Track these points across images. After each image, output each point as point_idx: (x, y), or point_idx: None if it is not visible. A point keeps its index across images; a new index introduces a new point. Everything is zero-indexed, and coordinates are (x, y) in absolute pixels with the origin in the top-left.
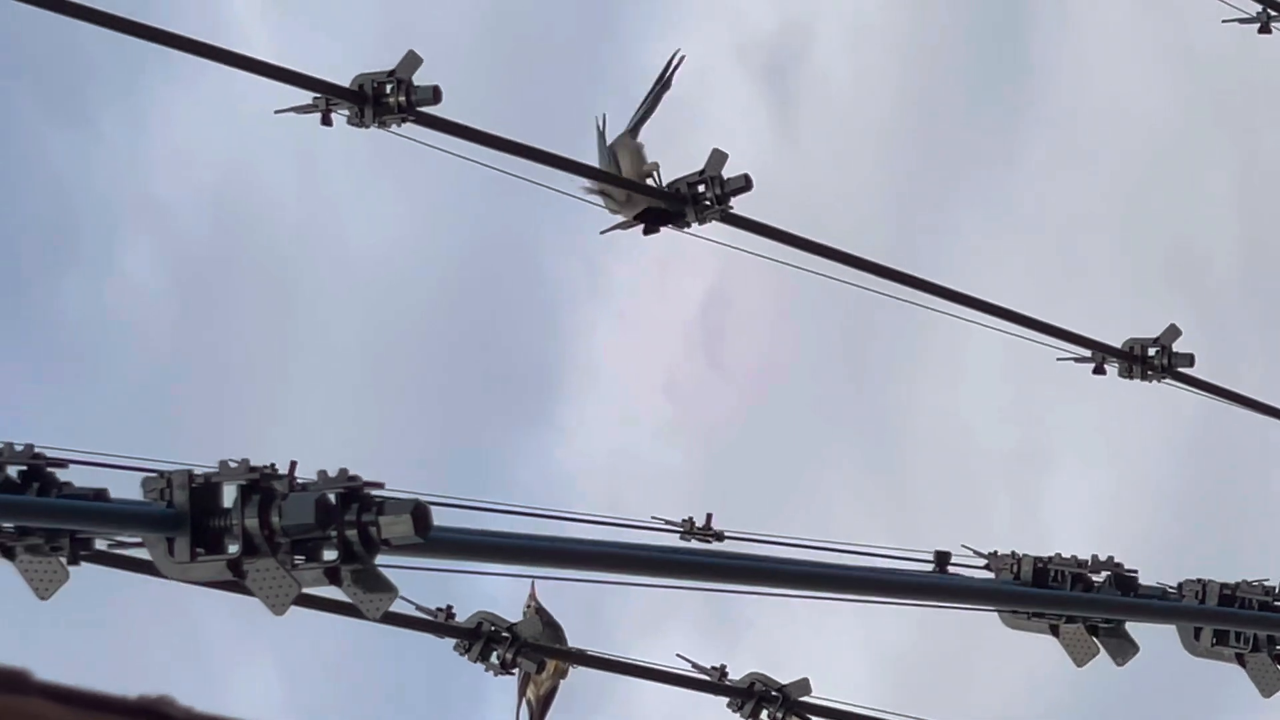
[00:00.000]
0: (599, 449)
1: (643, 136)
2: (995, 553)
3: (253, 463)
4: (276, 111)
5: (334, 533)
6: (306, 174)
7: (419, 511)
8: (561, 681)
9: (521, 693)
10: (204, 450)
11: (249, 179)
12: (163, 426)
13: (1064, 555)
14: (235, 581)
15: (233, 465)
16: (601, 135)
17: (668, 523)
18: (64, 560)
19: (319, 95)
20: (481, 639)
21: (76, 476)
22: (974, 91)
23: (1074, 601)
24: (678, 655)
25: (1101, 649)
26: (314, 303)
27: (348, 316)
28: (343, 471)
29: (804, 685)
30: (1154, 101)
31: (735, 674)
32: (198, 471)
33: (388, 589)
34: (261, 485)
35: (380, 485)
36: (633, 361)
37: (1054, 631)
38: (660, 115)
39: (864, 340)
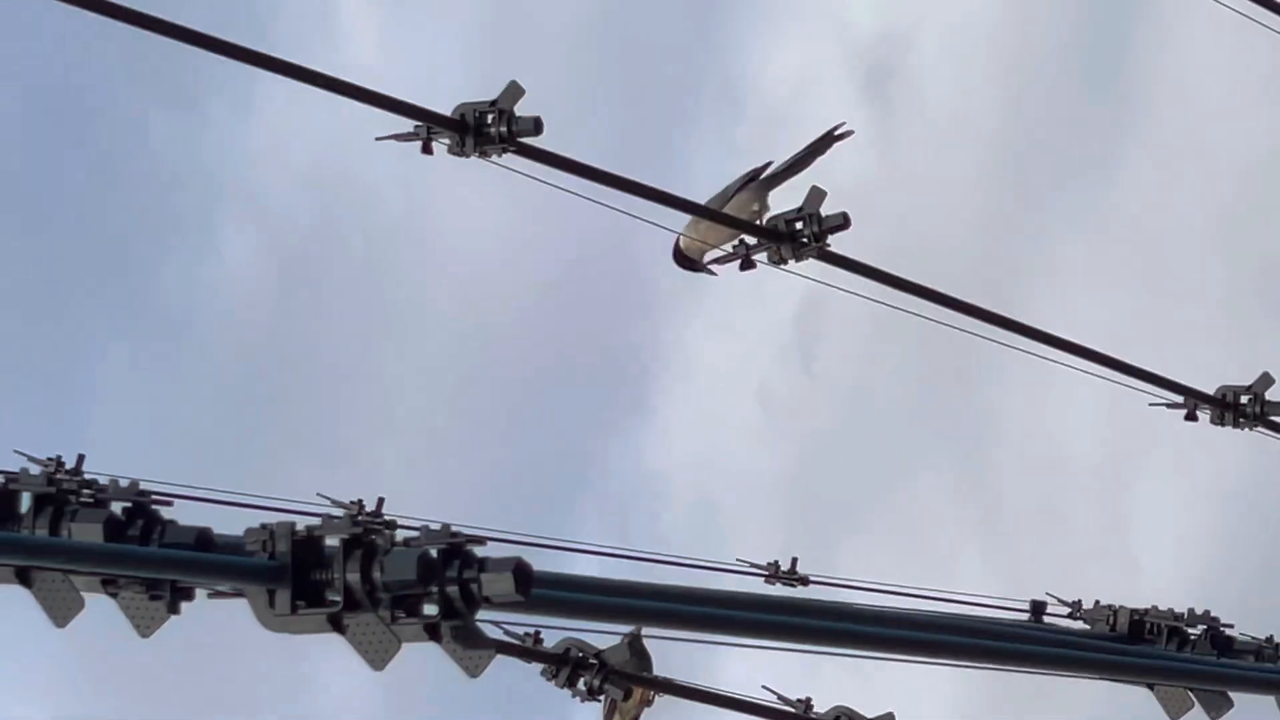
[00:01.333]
0: (691, 450)
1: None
2: (1079, 602)
3: (356, 514)
4: (377, 139)
5: (435, 589)
6: (408, 169)
7: (520, 569)
8: (647, 709)
9: (607, 719)
10: (292, 445)
11: (351, 171)
12: (254, 410)
13: (1160, 608)
14: (334, 634)
15: (336, 518)
16: (749, 179)
17: (753, 565)
18: (165, 606)
19: (420, 124)
20: (569, 665)
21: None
22: (1073, 104)
23: (1170, 671)
24: (763, 687)
25: (1196, 703)
26: (410, 296)
27: (444, 312)
28: (445, 527)
29: None
30: (1254, 119)
31: (820, 706)
32: (300, 526)
33: (487, 646)
34: (364, 540)
35: (483, 542)
36: (727, 366)
37: (1148, 685)
38: (761, 125)
39: (957, 362)
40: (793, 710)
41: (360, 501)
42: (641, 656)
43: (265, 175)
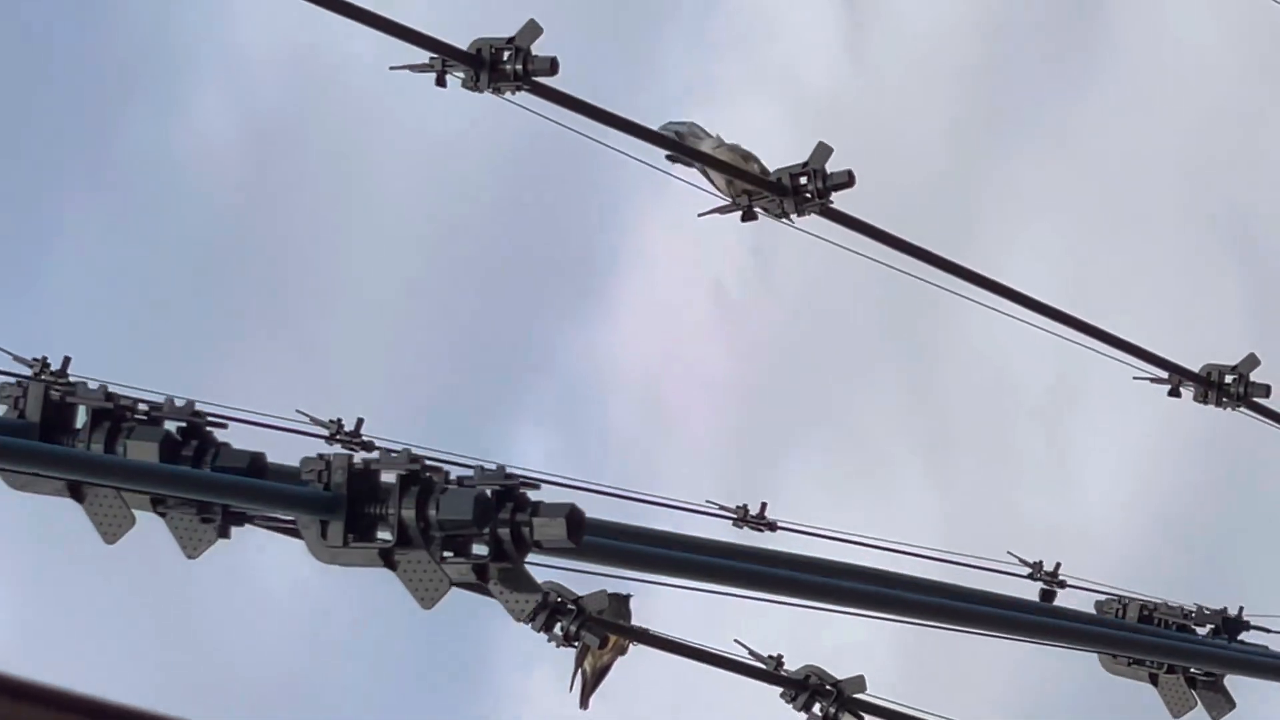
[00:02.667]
0: (642, 342)
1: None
2: (1040, 564)
3: (414, 452)
4: (392, 68)
5: (487, 530)
6: (386, 45)
7: (574, 516)
8: (620, 657)
9: (579, 663)
10: (246, 319)
11: (329, 42)
12: (211, 280)
13: (1170, 604)
14: (384, 569)
15: (394, 454)
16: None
17: (721, 508)
18: (215, 529)
19: (435, 56)
20: (547, 609)
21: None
22: (1047, 28)
23: (1177, 650)
24: (735, 641)
25: (1199, 702)
26: (376, 174)
27: (408, 192)
28: (500, 468)
29: (859, 682)
30: (1224, 57)
31: (791, 664)
32: (357, 459)
33: (533, 589)
34: (421, 477)
35: (536, 486)
36: (684, 263)
37: (1153, 680)
38: (733, 20)
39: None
40: (763, 667)
41: (339, 421)
42: (620, 602)
43: (243, 45)
